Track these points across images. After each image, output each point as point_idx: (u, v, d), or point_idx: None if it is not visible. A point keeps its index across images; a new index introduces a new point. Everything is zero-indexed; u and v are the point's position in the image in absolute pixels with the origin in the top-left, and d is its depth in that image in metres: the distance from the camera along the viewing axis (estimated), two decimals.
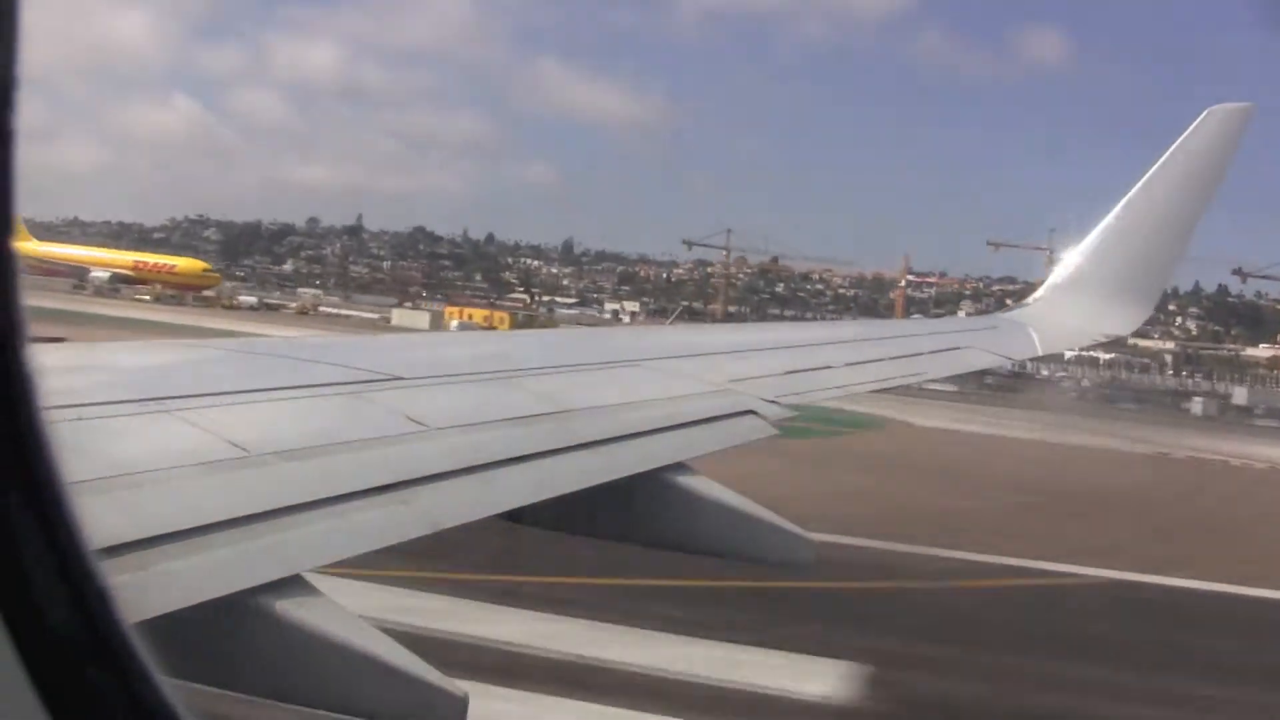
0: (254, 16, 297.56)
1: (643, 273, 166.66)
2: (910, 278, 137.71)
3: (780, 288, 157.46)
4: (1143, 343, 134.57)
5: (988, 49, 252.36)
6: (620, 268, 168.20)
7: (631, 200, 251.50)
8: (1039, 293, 9.96)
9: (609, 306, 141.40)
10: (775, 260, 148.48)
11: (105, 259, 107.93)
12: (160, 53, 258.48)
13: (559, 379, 4.63)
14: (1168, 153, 9.51)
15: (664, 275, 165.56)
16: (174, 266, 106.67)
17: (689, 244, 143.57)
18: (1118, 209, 9.66)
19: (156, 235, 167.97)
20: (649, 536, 3.96)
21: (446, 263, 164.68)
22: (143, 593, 2.23)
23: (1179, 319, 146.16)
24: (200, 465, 2.79)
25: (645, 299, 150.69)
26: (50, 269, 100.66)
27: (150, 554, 2.34)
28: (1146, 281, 9.80)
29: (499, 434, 3.69)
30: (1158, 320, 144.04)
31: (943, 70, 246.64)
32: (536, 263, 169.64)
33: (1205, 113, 9.47)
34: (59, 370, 3.39)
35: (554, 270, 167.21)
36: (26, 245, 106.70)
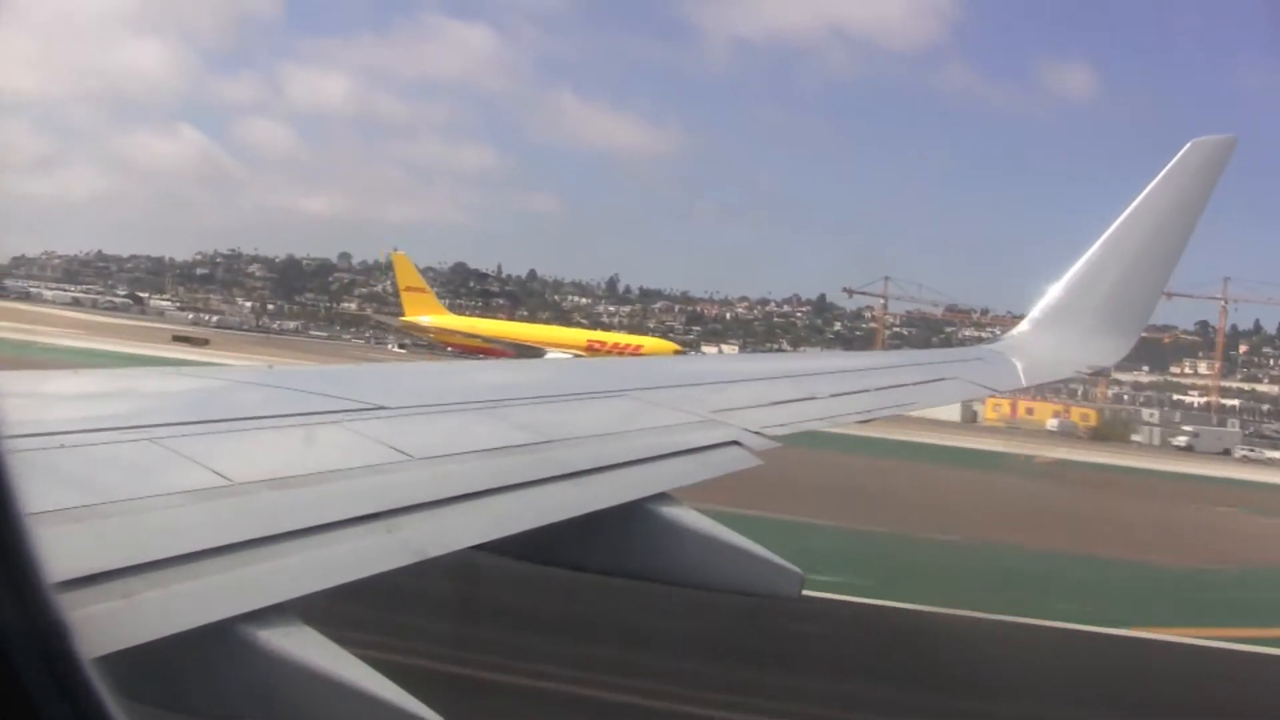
0: (269, 48, 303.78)
1: (705, 312, 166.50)
2: None
3: (838, 326, 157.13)
4: (1260, 388, 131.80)
5: (1015, 83, 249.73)
6: (675, 306, 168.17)
7: (658, 235, 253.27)
8: (1022, 325, 10.20)
9: (705, 350, 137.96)
10: (823, 298, 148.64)
11: (557, 338, 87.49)
12: (174, 83, 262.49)
13: (544, 409, 4.82)
14: (1150, 185, 9.73)
15: (726, 314, 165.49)
16: (639, 347, 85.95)
17: (849, 291, 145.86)
18: (1101, 241, 9.87)
19: (199, 271, 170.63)
20: (632, 568, 4.04)
21: (501, 301, 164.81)
22: (125, 621, 2.38)
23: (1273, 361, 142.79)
24: (184, 494, 2.94)
25: (734, 340, 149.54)
26: (488, 348, 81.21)
27: (133, 582, 2.47)
28: (1130, 313, 10.00)
29: (482, 464, 3.83)
30: (1251, 362, 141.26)
31: (970, 103, 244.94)
32: (585, 300, 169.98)
33: (1188, 145, 9.69)
34: (45, 398, 3.59)
35: (610, 309, 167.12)
36: (447, 318, 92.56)
